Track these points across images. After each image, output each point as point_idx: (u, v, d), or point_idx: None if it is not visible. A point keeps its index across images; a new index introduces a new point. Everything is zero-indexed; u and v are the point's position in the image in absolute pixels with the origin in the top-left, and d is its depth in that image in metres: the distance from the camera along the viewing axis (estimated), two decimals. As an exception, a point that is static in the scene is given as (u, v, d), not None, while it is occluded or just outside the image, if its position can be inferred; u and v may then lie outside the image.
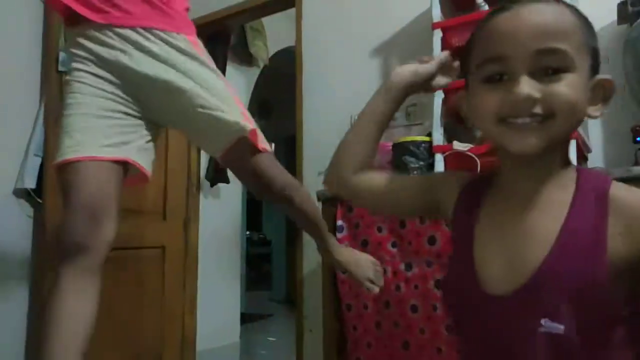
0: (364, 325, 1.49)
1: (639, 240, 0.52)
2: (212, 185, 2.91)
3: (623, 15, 1.45)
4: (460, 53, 0.69)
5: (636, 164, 1.42)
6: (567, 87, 0.55)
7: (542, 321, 0.52)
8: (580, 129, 1.43)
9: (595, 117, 0.61)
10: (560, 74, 0.55)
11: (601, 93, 0.60)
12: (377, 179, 0.76)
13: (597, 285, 0.51)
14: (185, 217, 2.71)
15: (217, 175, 2.87)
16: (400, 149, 1.69)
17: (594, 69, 0.60)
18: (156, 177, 2.53)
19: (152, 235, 2.50)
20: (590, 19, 1.69)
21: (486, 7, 1.66)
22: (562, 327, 0.51)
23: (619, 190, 0.57)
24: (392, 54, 2.12)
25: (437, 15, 1.71)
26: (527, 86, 0.55)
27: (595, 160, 1.62)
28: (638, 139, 1.48)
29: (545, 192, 0.59)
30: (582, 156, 1.50)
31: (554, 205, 0.58)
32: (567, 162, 0.61)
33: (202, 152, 2.90)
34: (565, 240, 0.54)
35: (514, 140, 0.57)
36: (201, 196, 2.89)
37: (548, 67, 0.56)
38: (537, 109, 0.55)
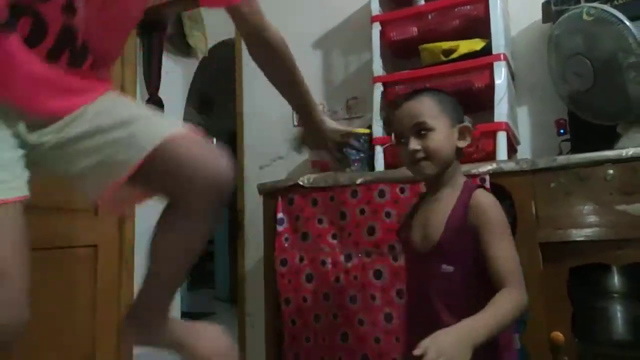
0: (303, 319, 1.48)
1: (476, 222, 0.95)
2: (148, 181, 2.78)
3: (547, 14, 1.53)
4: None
5: (560, 153, 1.50)
6: (432, 140, 0.99)
7: (442, 266, 0.97)
8: (510, 123, 1.50)
9: (463, 147, 1.03)
10: (427, 133, 0.99)
11: (466, 132, 1.03)
12: None
13: (464, 246, 0.96)
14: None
15: (153, 170, 2.75)
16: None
17: (455, 121, 1.02)
18: (87, 172, 2.40)
19: (82, 233, 2.35)
20: (518, 18, 1.77)
21: (422, 2, 1.70)
22: (451, 268, 0.96)
23: (477, 194, 0.98)
24: (333, 46, 2.12)
25: (376, 8, 1.72)
26: (413, 144, 1.00)
27: (524, 151, 1.70)
28: (562, 131, 1.57)
29: (443, 195, 1.03)
30: (512, 148, 1.57)
31: (447, 202, 1.00)
32: (459, 176, 1.05)
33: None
34: (449, 224, 0.97)
35: (418, 173, 1.04)
36: (137, 192, 2.76)
37: (419, 130, 1.00)
38: (420, 154, 1.00)
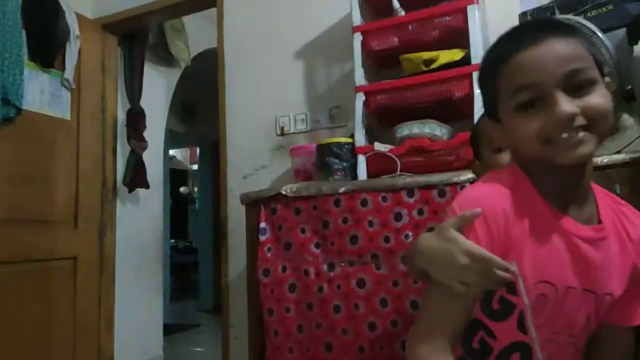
0: (286, 329, 1.47)
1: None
2: (130, 191, 2.75)
3: (524, 25, 1.56)
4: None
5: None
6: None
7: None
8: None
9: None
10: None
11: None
12: None
13: None
14: (100, 225, 2.54)
15: (135, 180, 2.71)
16: (324, 150, 1.70)
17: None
18: (66, 183, 2.36)
19: (62, 245, 2.32)
20: (496, 29, 1.79)
21: (402, 13, 1.72)
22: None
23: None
24: (316, 56, 2.14)
25: (357, 19, 1.74)
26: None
27: (504, 160, 1.72)
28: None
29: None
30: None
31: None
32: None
33: (119, 155, 2.74)
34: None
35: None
36: (118, 202, 2.73)
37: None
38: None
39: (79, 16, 2.47)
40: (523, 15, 1.56)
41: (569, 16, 1.35)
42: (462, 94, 1.54)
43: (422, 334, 0.70)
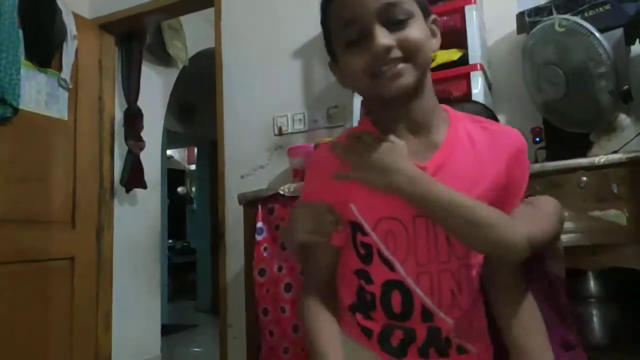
0: (281, 329, 1.47)
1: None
2: (127, 191, 2.75)
3: (521, 25, 1.56)
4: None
5: (536, 161, 1.53)
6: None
7: None
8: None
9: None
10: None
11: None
12: None
13: None
14: (97, 225, 2.54)
15: (133, 180, 2.71)
16: (322, 150, 1.70)
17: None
18: (64, 183, 2.36)
19: (59, 245, 2.31)
20: (494, 29, 1.79)
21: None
22: None
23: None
24: (314, 56, 2.14)
25: (354, 19, 1.74)
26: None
27: (501, 159, 1.73)
28: (537, 139, 1.60)
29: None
30: (490, 156, 1.60)
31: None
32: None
33: (116, 155, 2.74)
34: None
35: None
36: (116, 203, 2.72)
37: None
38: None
39: (76, 16, 2.47)
40: (520, 15, 1.57)
41: (567, 16, 1.35)
42: (460, 94, 1.54)
43: (304, 289, 0.81)
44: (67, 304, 2.30)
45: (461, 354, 0.74)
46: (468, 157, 0.73)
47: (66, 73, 2.39)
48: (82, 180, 2.46)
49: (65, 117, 2.42)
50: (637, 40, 1.40)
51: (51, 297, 2.24)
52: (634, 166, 1.19)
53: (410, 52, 0.67)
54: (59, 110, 2.39)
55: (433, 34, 0.73)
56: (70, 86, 2.42)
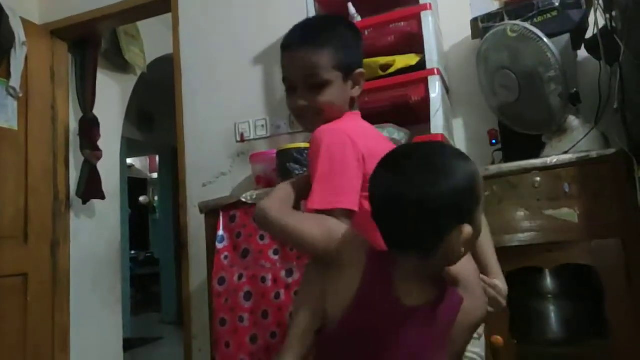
0: (238, 340, 1.43)
1: None
2: (84, 203, 2.64)
3: (475, 31, 1.60)
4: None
5: (493, 163, 1.57)
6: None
7: None
8: (446, 135, 1.55)
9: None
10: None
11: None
12: None
13: None
14: (52, 239, 2.43)
15: (90, 191, 2.61)
16: (285, 156, 1.69)
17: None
18: (14, 196, 2.25)
19: (10, 262, 2.20)
20: (450, 34, 1.82)
21: (359, 18, 1.73)
22: None
23: None
24: (274, 61, 2.12)
25: (314, 24, 1.74)
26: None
27: (460, 162, 1.76)
28: (494, 141, 1.64)
29: None
30: (449, 158, 1.63)
31: None
32: None
33: (71, 166, 2.64)
34: None
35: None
36: (72, 215, 2.62)
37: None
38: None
39: (25, 21, 2.36)
40: (474, 21, 1.61)
41: (518, 22, 1.39)
42: (418, 98, 1.57)
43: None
44: (20, 323, 2.19)
45: None
46: None
47: (15, 81, 2.28)
48: (34, 193, 2.35)
49: (15, 127, 2.31)
50: (583, 45, 1.46)
51: (2, 317, 2.13)
52: (583, 166, 1.23)
53: (318, 110, 0.93)
54: (8, 119, 2.28)
55: (356, 83, 0.97)
56: (20, 94, 2.32)
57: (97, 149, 2.67)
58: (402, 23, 1.64)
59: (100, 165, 2.69)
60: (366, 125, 1.01)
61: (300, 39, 0.94)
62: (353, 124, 0.95)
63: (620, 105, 1.26)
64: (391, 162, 0.71)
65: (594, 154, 1.23)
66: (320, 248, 0.75)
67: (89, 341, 2.60)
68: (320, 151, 0.83)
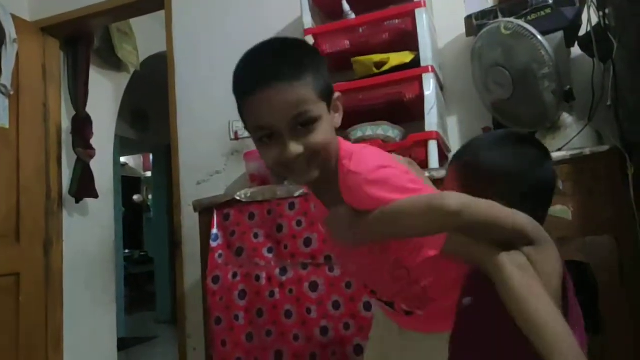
0: (234, 338, 1.43)
1: None
2: (77, 201, 2.63)
3: (470, 28, 1.60)
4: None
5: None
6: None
7: None
8: (440, 132, 1.55)
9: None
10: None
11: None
12: None
13: None
14: (45, 238, 2.41)
15: (83, 190, 2.59)
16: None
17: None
18: (5, 195, 2.23)
19: (2, 261, 2.18)
20: (444, 31, 1.82)
21: (353, 16, 1.73)
22: None
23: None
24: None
25: (308, 22, 1.74)
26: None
27: (455, 159, 1.77)
28: (488, 138, 1.64)
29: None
30: (443, 156, 1.63)
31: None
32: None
33: (64, 164, 2.61)
34: None
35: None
36: (65, 214, 2.60)
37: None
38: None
39: (16, 18, 2.34)
40: (468, 18, 1.61)
41: (511, 19, 1.39)
42: (412, 96, 1.56)
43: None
44: (13, 323, 2.17)
45: (408, 315, 0.89)
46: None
47: (6, 78, 2.25)
48: (27, 192, 2.33)
49: (7, 125, 2.29)
50: (576, 43, 1.47)
51: (-6, 315, 2.11)
52: (577, 163, 1.24)
53: (316, 153, 0.77)
54: (-1, 117, 2.26)
55: (336, 110, 0.83)
56: (12, 92, 2.29)
57: (90, 147, 2.65)
58: (397, 20, 1.64)
59: (93, 164, 2.67)
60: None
61: (275, 72, 0.74)
62: (372, 151, 0.84)
63: (614, 102, 1.27)
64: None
65: (587, 151, 1.24)
66: (529, 230, 0.69)
67: (82, 341, 2.58)
68: (373, 187, 0.75)
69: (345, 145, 0.85)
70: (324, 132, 0.77)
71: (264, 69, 0.76)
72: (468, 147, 0.84)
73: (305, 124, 0.75)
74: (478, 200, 0.69)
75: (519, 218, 0.69)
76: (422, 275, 0.85)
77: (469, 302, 0.74)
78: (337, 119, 0.83)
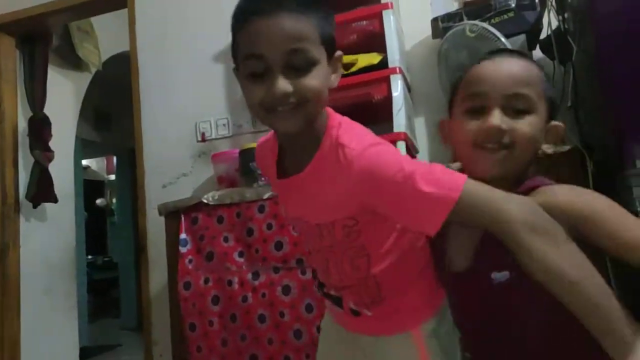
0: (209, 344, 1.41)
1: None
2: (35, 206, 2.52)
3: (436, 30, 1.63)
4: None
5: (454, 161, 1.60)
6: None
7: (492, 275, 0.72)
8: (408, 133, 1.56)
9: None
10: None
11: (553, 134, 0.79)
12: None
13: None
14: (0, 244, 2.30)
15: (41, 194, 2.49)
16: (247, 155, 1.66)
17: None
18: (-43, 201, 2.12)
19: (-47, 270, 2.06)
20: (411, 33, 1.84)
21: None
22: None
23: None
24: (235, 60, 2.08)
25: (275, 21, 1.72)
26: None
27: (422, 159, 1.79)
28: (453, 139, 1.67)
29: None
30: (411, 155, 1.64)
31: None
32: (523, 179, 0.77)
33: (21, 167, 2.50)
34: None
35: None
36: (22, 219, 2.49)
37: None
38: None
39: (-32, 14, 2.23)
40: (434, 21, 1.63)
41: (476, 22, 1.42)
42: (381, 97, 1.57)
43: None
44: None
45: (356, 316, 0.85)
46: (321, 184, 0.75)
47: (-43, 77, 2.14)
48: (-20, 196, 2.22)
49: (-42, 127, 2.17)
50: (537, 45, 1.51)
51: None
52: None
53: (305, 100, 0.69)
54: (-51, 118, 2.14)
55: (334, 70, 0.75)
56: (-37, 92, 2.18)
57: (49, 149, 2.55)
58: (365, 22, 1.64)
59: (53, 167, 2.57)
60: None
61: (281, 1, 0.68)
62: (361, 126, 0.78)
63: (574, 103, 1.31)
64: None
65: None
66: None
67: (42, 351, 2.48)
68: (388, 171, 0.69)
69: (334, 113, 0.78)
70: (318, 78, 0.70)
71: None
72: None
73: (300, 67, 0.68)
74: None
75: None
76: (380, 267, 0.80)
77: (504, 277, 0.70)
78: (335, 78, 0.75)
